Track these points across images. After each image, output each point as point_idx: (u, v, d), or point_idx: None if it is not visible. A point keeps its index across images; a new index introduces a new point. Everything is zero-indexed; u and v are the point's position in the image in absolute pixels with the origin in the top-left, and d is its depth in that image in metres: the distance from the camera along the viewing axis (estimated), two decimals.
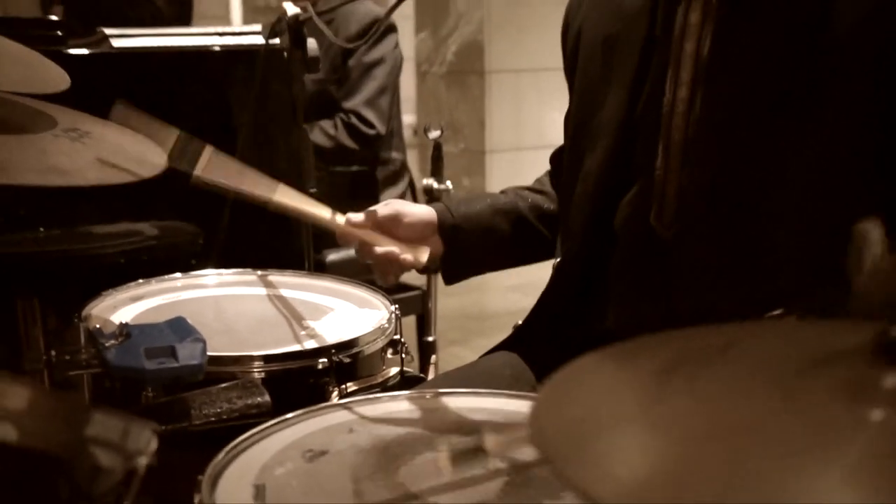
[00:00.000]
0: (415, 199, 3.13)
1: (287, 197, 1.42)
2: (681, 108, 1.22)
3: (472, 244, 1.48)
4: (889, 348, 0.54)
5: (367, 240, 1.39)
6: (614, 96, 1.30)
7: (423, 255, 1.40)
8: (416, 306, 2.77)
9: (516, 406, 1.10)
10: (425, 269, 1.46)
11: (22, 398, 0.60)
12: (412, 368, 1.54)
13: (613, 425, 0.55)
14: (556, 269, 1.46)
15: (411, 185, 3.27)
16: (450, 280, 1.54)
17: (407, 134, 3.61)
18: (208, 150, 1.38)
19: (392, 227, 1.41)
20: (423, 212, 1.45)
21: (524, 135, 5.40)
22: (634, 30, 1.28)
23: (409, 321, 2.93)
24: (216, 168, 1.38)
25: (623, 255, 1.31)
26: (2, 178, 1.12)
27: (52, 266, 2.03)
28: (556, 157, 1.54)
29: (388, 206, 1.43)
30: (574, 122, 1.42)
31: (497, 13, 5.36)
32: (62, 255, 2.05)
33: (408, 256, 1.38)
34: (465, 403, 1.13)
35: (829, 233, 0.83)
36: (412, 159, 4.03)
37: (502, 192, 1.57)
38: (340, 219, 1.41)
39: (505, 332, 1.50)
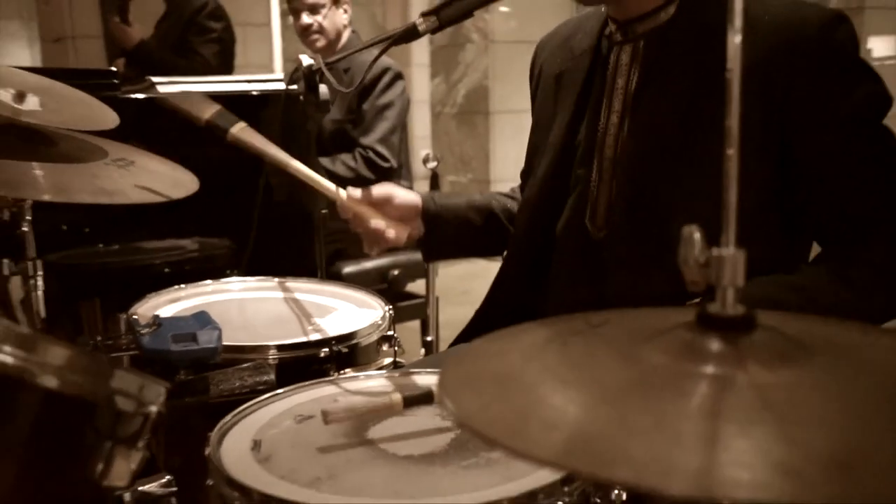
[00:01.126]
0: None
1: (302, 167, 1.46)
2: (612, 132, 1.30)
3: (447, 230, 1.52)
4: (707, 320, 0.63)
5: (361, 213, 1.43)
6: (560, 121, 1.38)
7: (404, 234, 1.45)
8: (420, 312, 2.86)
9: None
10: (405, 245, 1.49)
11: (61, 356, 0.69)
12: (405, 360, 1.62)
13: (499, 377, 0.65)
14: (504, 261, 1.50)
15: None
16: (427, 258, 1.60)
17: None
18: (241, 123, 1.46)
19: (383, 205, 1.44)
20: (411, 197, 1.49)
21: None
22: (579, 67, 1.37)
23: (415, 325, 3.02)
24: (246, 135, 1.45)
25: (562, 252, 1.37)
26: (62, 197, 1.24)
27: (110, 275, 2.12)
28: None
29: (382, 187, 1.47)
30: (531, 144, 1.50)
31: (500, 62, 5.47)
32: (118, 265, 2.14)
33: (391, 232, 1.42)
34: (427, 379, 1.19)
35: None
36: (426, 188, 4.09)
37: (480, 193, 1.62)
38: (342, 193, 1.45)
39: None
